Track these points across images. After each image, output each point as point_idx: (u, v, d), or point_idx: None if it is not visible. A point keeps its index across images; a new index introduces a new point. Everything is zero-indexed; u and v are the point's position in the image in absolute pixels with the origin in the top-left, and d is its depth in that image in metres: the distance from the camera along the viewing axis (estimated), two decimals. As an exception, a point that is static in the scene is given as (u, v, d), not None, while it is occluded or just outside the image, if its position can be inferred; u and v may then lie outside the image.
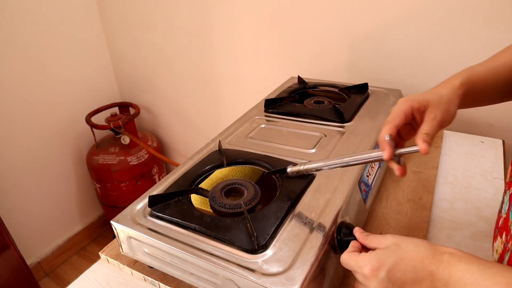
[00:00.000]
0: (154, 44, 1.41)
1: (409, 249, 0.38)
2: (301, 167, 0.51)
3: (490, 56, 0.50)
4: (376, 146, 0.65)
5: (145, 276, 0.51)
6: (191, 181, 0.56)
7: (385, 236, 0.41)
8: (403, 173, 0.43)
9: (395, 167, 0.43)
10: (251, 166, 0.61)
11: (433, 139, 0.43)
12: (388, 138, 0.43)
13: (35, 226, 1.49)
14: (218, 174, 0.61)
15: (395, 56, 0.94)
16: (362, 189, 0.57)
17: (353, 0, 0.93)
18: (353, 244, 0.44)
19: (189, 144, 1.61)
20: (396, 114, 0.45)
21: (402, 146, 0.47)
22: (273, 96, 0.84)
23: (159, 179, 1.26)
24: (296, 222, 0.47)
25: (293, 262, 0.41)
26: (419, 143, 0.41)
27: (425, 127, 0.42)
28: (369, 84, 0.85)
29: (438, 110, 0.43)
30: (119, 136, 1.45)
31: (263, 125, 0.74)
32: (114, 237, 0.52)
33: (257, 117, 0.77)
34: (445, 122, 0.45)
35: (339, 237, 0.47)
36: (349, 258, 0.41)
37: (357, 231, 0.45)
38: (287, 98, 0.83)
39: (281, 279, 0.39)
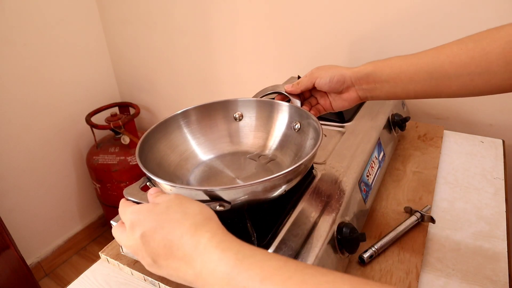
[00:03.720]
0: (154, 44, 1.41)
1: (175, 217, 0.32)
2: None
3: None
4: (376, 146, 0.65)
5: (145, 276, 0.51)
6: (191, 181, 0.56)
7: (166, 194, 0.36)
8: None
9: None
10: (251, 166, 0.61)
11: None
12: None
13: (35, 226, 1.49)
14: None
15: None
16: (362, 189, 0.57)
17: (354, 0, 0.93)
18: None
19: (189, 144, 1.60)
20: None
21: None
22: (273, 96, 0.84)
23: (159, 179, 1.26)
24: (296, 222, 0.47)
25: (293, 262, 0.41)
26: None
27: (302, 79, 0.56)
28: (369, 84, 0.85)
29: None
30: (119, 136, 1.45)
31: (263, 125, 0.73)
32: (114, 237, 0.52)
33: (257, 117, 0.77)
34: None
35: (339, 237, 0.47)
36: (122, 204, 0.37)
37: (151, 189, 0.39)
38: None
39: (281, 279, 0.39)
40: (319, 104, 0.58)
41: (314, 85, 0.55)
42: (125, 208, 0.36)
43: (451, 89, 0.45)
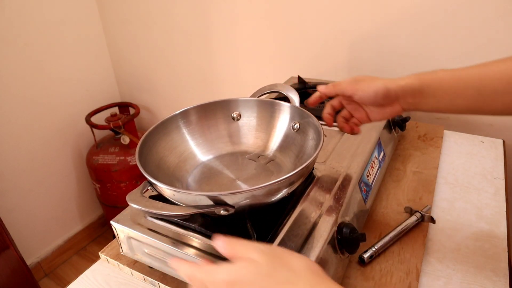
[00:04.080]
0: (154, 44, 1.41)
1: (284, 278, 0.29)
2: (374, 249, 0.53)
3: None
4: (376, 146, 0.65)
5: (145, 276, 0.51)
6: (191, 181, 0.56)
7: (251, 246, 0.32)
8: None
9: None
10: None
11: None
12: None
13: (35, 226, 1.49)
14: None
15: (395, 56, 0.94)
16: (362, 189, 0.57)
17: (354, 0, 0.93)
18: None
19: (189, 144, 1.60)
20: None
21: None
22: (273, 96, 0.84)
23: (159, 179, 1.26)
24: (296, 222, 0.47)
25: (293, 262, 0.41)
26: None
27: (342, 83, 0.51)
28: (369, 84, 0.85)
29: (359, 81, 0.50)
30: (119, 136, 1.45)
31: (263, 125, 0.73)
32: (114, 237, 0.52)
33: (257, 117, 0.77)
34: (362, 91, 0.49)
35: (339, 237, 0.47)
36: (196, 268, 0.32)
37: (218, 240, 0.33)
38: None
39: (281, 279, 0.39)
40: (354, 117, 0.55)
41: (353, 97, 0.51)
42: (213, 270, 0.30)
43: (497, 107, 0.44)
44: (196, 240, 0.46)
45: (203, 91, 1.40)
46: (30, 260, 1.49)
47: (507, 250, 0.55)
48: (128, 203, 0.41)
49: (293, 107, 0.56)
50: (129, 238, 0.49)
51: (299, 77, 0.92)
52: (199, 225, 0.47)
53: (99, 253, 0.56)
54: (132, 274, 0.53)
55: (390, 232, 0.56)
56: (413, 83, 0.47)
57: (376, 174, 0.64)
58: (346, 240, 0.46)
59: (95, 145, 1.49)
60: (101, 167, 1.43)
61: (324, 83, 0.89)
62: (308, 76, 0.98)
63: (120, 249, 0.52)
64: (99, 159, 1.44)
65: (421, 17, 0.87)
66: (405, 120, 0.78)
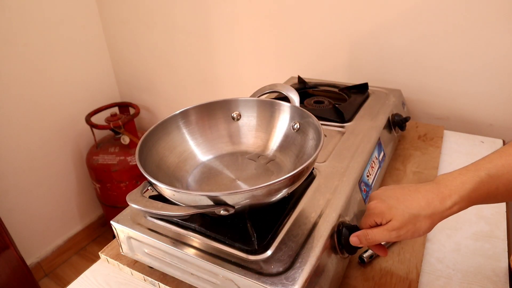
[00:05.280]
0: (154, 44, 1.41)
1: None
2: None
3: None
4: (376, 146, 0.65)
5: (145, 276, 0.51)
6: (191, 181, 0.56)
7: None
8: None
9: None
10: (251, 166, 0.61)
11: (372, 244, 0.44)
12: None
13: (35, 226, 1.49)
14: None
15: (395, 56, 0.94)
16: (362, 189, 0.57)
17: (354, 1, 0.93)
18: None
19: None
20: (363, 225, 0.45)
21: None
22: (273, 96, 0.84)
23: (159, 179, 1.26)
24: (296, 222, 0.47)
25: (293, 262, 0.41)
26: (353, 237, 0.45)
27: (376, 233, 0.42)
28: (369, 84, 0.85)
29: (401, 230, 0.40)
30: (119, 136, 1.45)
31: (263, 125, 0.73)
32: (114, 237, 0.52)
33: (257, 117, 0.77)
34: (405, 238, 0.42)
35: (339, 237, 0.47)
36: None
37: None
38: (287, 98, 0.82)
39: (281, 279, 0.39)
40: None
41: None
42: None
43: None
44: (196, 240, 0.46)
45: (203, 91, 1.40)
46: (30, 260, 1.49)
47: (507, 250, 0.55)
48: (128, 203, 0.41)
49: (293, 107, 0.56)
50: (129, 238, 0.49)
51: (299, 77, 0.92)
52: (199, 225, 0.47)
53: (99, 253, 0.56)
54: (132, 274, 0.53)
55: (390, 232, 0.56)
56: (465, 204, 0.40)
57: (376, 174, 0.64)
58: (346, 240, 0.46)
59: (95, 145, 1.49)
60: (101, 167, 1.43)
61: (324, 84, 0.89)
62: (308, 76, 0.98)
63: (120, 249, 0.52)
64: (99, 159, 1.44)
65: (420, 18, 0.87)
66: (405, 120, 0.78)
